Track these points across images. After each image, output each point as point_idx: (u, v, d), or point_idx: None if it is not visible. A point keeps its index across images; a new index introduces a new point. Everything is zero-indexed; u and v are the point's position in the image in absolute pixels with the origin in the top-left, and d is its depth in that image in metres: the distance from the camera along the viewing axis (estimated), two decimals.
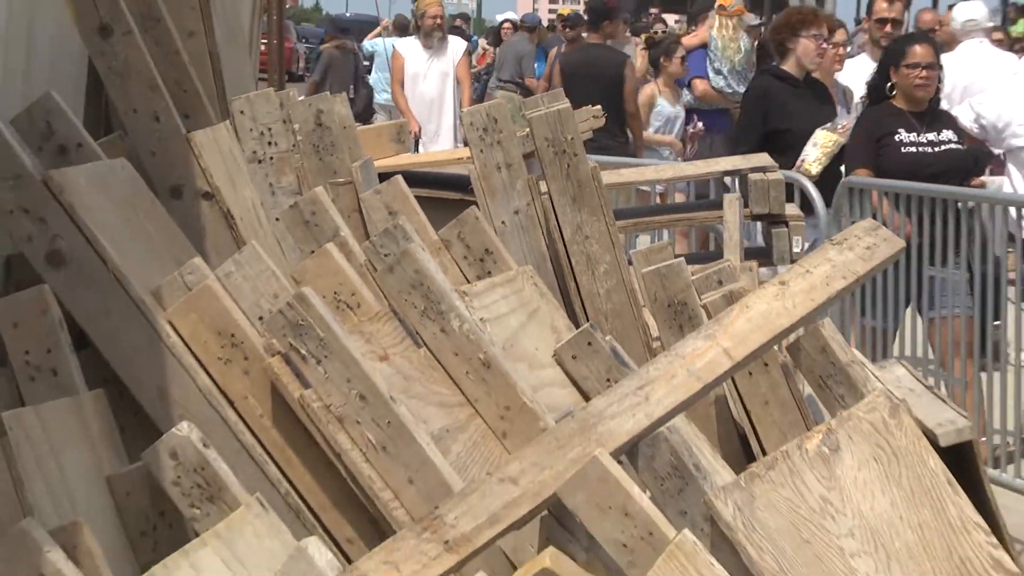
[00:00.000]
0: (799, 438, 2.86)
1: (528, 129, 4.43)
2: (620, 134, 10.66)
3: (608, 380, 3.50)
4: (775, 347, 3.29)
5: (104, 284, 3.11)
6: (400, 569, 2.64)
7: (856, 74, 8.69)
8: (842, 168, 7.34)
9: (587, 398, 3.45)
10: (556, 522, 2.80)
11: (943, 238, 6.45)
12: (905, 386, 3.67)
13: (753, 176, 5.70)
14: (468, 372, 3.26)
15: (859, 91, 8.20)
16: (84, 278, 3.11)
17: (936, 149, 7.00)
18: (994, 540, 2.82)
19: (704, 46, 11.50)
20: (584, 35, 12.69)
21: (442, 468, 3.03)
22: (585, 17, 12.62)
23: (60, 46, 4.29)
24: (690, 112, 11.52)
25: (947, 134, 7.09)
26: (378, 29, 20.18)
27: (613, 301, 4.36)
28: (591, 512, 2.68)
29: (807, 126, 7.56)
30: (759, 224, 6.04)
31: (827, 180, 7.36)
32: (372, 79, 16.00)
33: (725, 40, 11.37)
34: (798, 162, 7.43)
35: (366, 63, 17.43)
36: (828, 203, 6.98)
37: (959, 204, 6.44)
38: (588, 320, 4.20)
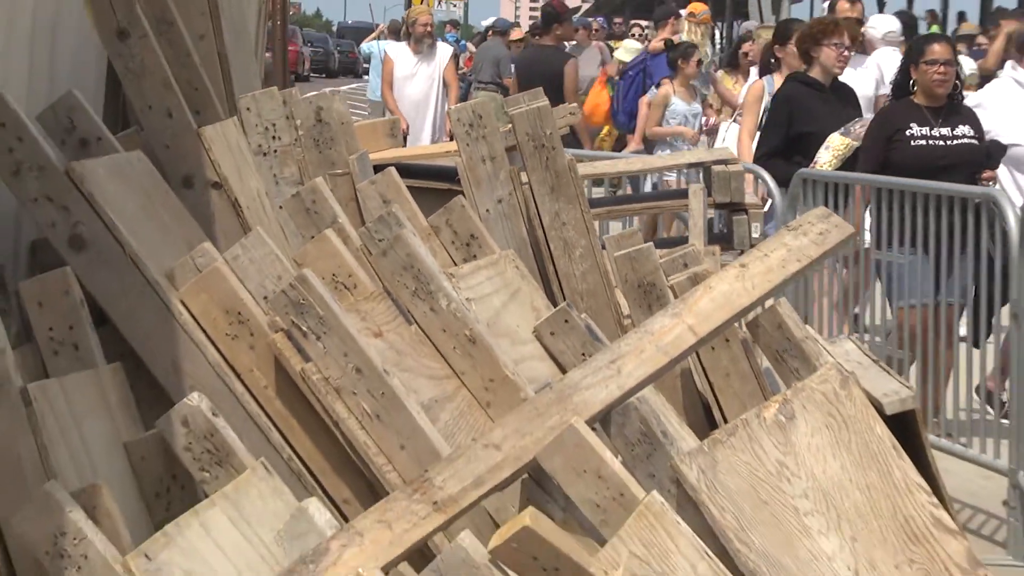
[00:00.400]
0: (757, 407, 2.86)
1: (510, 125, 4.42)
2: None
3: (583, 354, 3.50)
4: (736, 324, 3.28)
5: (121, 266, 3.10)
6: (392, 528, 2.63)
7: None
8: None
9: (564, 371, 3.44)
10: (535, 484, 2.79)
11: (899, 227, 6.23)
12: (854, 359, 3.67)
13: (716, 168, 5.69)
14: (455, 347, 3.25)
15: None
16: (103, 261, 3.10)
17: (949, 143, 6.78)
18: (935, 500, 2.82)
19: (668, 50, 11.51)
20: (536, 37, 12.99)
21: (431, 435, 3.02)
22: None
23: (81, 49, 4.27)
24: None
25: (963, 129, 6.85)
26: (375, 33, 20.21)
27: (588, 282, 4.35)
28: (567, 475, 2.68)
29: (831, 129, 7.42)
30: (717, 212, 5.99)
31: None
32: (369, 79, 15.96)
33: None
34: (812, 164, 7.32)
35: (364, 64, 17.40)
36: (837, 199, 6.64)
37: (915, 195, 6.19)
38: (565, 299, 4.20)
